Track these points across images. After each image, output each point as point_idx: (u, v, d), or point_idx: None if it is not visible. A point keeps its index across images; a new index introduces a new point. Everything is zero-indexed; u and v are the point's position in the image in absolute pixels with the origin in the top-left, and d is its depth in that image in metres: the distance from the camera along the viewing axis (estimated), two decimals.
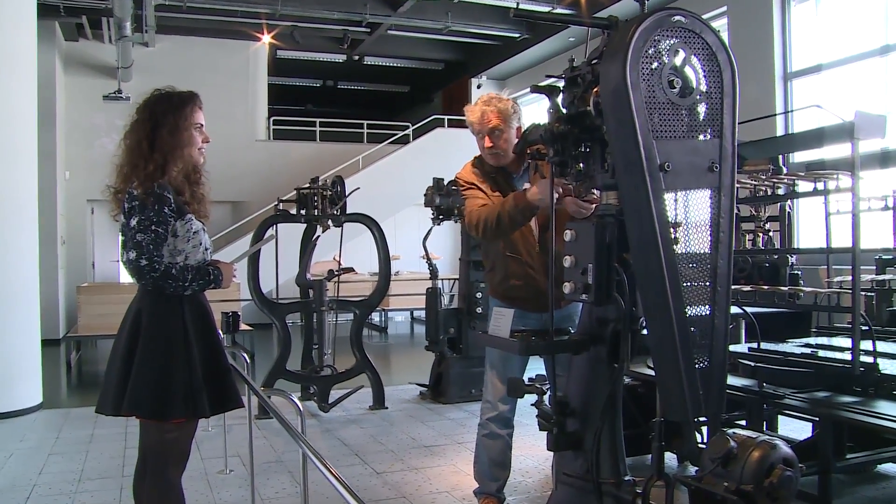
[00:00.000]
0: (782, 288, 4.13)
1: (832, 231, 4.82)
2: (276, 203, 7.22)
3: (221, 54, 15.76)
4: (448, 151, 14.92)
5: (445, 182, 7.53)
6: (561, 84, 2.76)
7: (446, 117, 17.23)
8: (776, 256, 5.41)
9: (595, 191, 3.49)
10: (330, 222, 6.99)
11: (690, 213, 2.42)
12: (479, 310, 7.28)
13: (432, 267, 7.77)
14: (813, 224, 8.90)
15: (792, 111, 10.38)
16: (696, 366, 2.34)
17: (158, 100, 3.03)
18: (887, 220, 5.60)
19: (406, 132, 17.68)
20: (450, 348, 7.44)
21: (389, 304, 13.74)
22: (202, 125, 3.09)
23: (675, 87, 2.40)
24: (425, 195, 7.61)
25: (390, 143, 17.36)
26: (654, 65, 2.36)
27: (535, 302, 3.62)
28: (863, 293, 4.44)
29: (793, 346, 4.22)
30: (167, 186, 2.90)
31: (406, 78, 20.09)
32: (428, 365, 7.84)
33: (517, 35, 15.06)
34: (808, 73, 10.48)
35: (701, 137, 2.42)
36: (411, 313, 15.92)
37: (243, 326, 10.62)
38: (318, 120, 17.79)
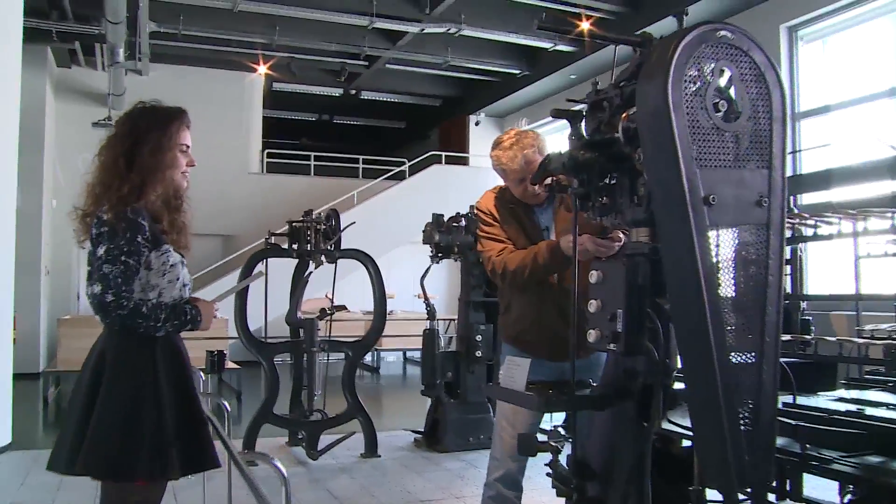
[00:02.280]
0: (828, 338, 3.78)
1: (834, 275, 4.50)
2: (267, 237, 6.86)
3: (216, 84, 15.48)
4: (445, 188, 14.80)
5: (446, 218, 7.24)
6: (582, 109, 2.49)
7: (444, 154, 17.01)
8: (787, 301, 5.08)
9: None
10: (323, 258, 6.63)
11: (735, 253, 2.10)
12: (478, 353, 6.91)
13: (430, 307, 7.41)
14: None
15: (803, 149, 10.15)
16: (742, 427, 2.04)
17: (142, 114, 2.69)
18: None
19: (402, 168, 17.43)
20: (447, 393, 7.05)
21: (382, 344, 13.29)
22: (188, 147, 2.74)
23: (719, 111, 2.10)
24: (424, 232, 7.30)
25: (386, 178, 17.11)
26: (697, 85, 2.06)
27: (552, 349, 3.27)
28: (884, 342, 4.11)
29: (827, 401, 3.85)
30: (142, 212, 2.54)
31: (403, 114, 19.93)
32: (421, 409, 7.45)
33: (517, 71, 14.89)
34: (816, 114, 10.26)
35: (748, 167, 2.12)
36: (404, 354, 15.54)
37: (230, 365, 10.27)
38: (312, 154, 17.52)
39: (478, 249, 3.60)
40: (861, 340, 3.63)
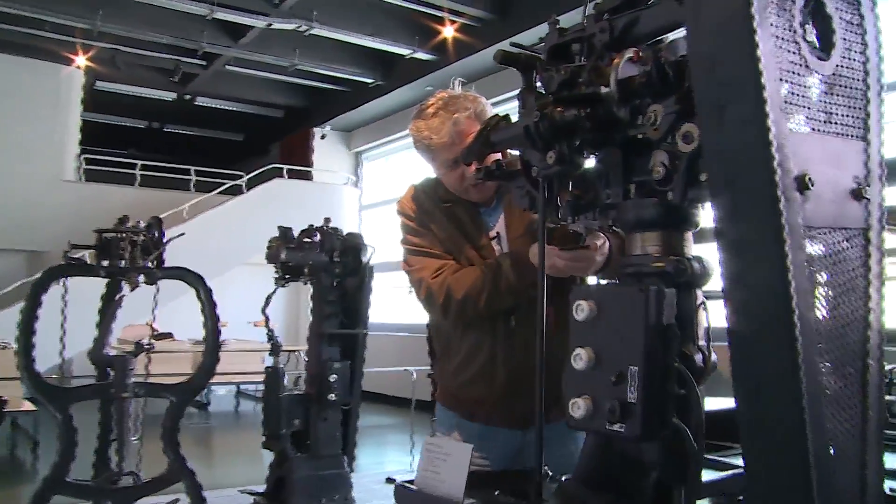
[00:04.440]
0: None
1: None
2: (66, 250, 5.45)
3: (24, 76, 13.81)
4: (287, 205, 13.76)
5: (296, 233, 6.10)
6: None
7: (286, 167, 15.95)
8: None
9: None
10: (141, 278, 5.29)
11: (829, 274, 1.26)
12: (332, 396, 5.75)
13: (274, 340, 6.18)
14: None
15: None
16: None
17: None
18: None
19: (239, 182, 16.22)
20: (294, 445, 5.84)
21: (212, 377, 11.91)
22: None
23: (809, 42, 1.24)
24: (268, 248, 6.01)
25: (220, 192, 15.85)
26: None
27: (508, 410, 2.30)
28: None
29: None
30: None
31: (241, 124, 18.76)
32: (259, 455, 6.20)
33: (369, 80, 14.14)
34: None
35: (839, 136, 1.29)
36: (237, 387, 14.15)
37: (25, 406, 8.65)
38: (138, 162, 15.99)
39: (403, 269, 2.56)
40: None
